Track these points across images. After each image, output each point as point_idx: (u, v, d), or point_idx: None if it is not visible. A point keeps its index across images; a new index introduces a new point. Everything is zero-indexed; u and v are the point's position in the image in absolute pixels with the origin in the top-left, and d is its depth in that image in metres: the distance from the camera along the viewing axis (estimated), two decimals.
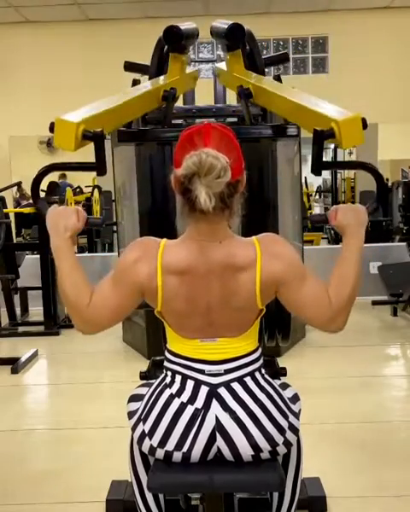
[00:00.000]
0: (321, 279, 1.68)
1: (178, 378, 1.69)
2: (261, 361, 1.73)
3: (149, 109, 2.59)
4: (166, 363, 1.73)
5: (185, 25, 2.66)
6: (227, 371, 1.66)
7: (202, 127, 1.56)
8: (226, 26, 2.57)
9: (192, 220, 1.59)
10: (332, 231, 9.52)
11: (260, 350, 1.74)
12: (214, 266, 1.60)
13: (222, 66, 3.04)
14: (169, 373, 1.71)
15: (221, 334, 1.66)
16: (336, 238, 9.17)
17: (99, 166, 1.88)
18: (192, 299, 1.62)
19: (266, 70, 2.96)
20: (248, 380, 1.68)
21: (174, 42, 2.61)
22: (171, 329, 1.69)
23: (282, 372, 2.14)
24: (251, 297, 1.62)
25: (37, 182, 1.93)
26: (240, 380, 1.67)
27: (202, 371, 1.67)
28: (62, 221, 1.69)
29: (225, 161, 1.49)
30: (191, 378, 1.67)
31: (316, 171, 1.88)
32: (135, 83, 3.55)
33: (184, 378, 1.68)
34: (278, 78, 3.30)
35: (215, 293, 1.62)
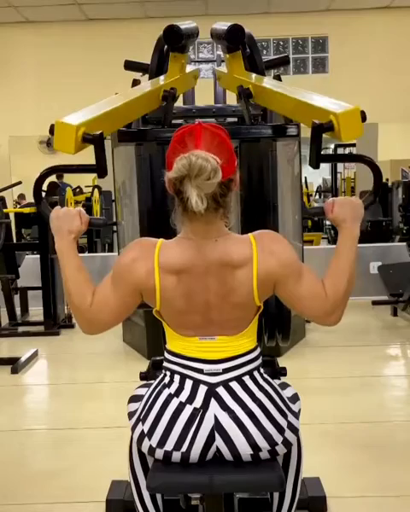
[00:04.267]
0: (317, 275, 1.70)
1: (177, 378, 1.69)
2: (260, 360, 1.74)
3: (150, 110, 2.59)
4: (165, 364, 1.74)
5: (185, 24, 2.66)
6: (226, 370, 1.67)
7: (192, 127, 1.58)
8: (226, 28, 2.57)
9: (187, 220, 1.61)
10: (332, 231, 9.54)
11: (258, 349, 1.74)
12: (211, 264, 1.61)
13: (222, 69, 3.04)
14: (168, 373, 1.72)
15: (220, 333, 1.67)
16: (336, 238, 9.19)
17: (99, 169, 1.88)
18: (190, 298, 1.63)
19: (266, 72, 2.96)
20: (246, 379, 1.68)
21: (174, 41, 2.61)
22: (169, 328, 1.70)
23: (282, 372, 2.13)
24: (249, 294, 1.63)
25: (39, 184, 1.94)
26: (239, 379, 1.67)
27: (200, 370, 1.67)
28: (66, 225, 1.71)
29: (216, 162, 1.50)
30: (190, 377, 1.67)
31: (315, 164, 1.88)
32: (135, 83, 3.55)
33: (183, 377, 1.68)
34: (277, 78, 3.31)
35: (213, 290, 1.63)
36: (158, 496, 1.89)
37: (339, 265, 1.68)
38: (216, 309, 1.64)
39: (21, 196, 9.15)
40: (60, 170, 2.01)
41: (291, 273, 1.64)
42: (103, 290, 1.67)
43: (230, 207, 1.62)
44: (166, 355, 1.73)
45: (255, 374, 1.70)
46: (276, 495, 1.93)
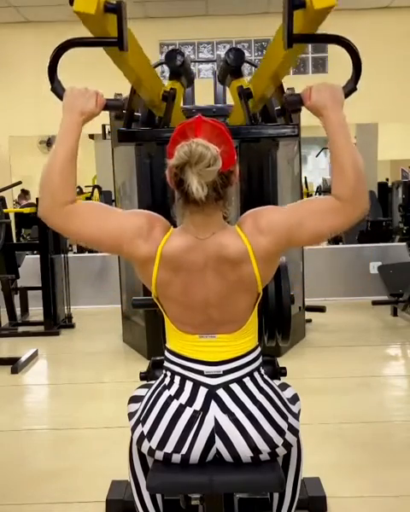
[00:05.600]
0: (313, 200, 1.65)
1: (177, 379, 1.68)
2: (260, 361, 1.73)
3: (149, 93, 2.60)
4: (165, 364, 1.73)
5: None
6: (226, 372, 1.66)
7: (193, 121, 1.59)
8: (226, 50, 2.70)
9: (188, 212, 1.60)
10: None
11: (258, 349, 1.74)
12: (209, 259, 1.61)
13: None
14: (168, 373, 1.71)
15: (220, 330, 1.66)
16: (336, 238, 9.17)
17: (120, 41, 1.77)
18: (188, 292, 1.63)
19: (278, 118, 2.99)
20: (246, 381, 1.68)
21: (173, 60, 2.70)
22: (170, 323, 1.69)
23: (282, 372, 2.13)
24: (251, 283, 1.63)
25: (55, 60, 1.82)
26: (239, 381, 1.67)
27: (200, 372, 1.66)
28: (80, 102, 1.64)
29: (216, 150, 1.51)
30: (190, 379, 1.67)
31: (288, 43, 1.81)
32: None
33: (183, 379, 1.68)
34: None
35: (211, 285, 1.62)
36: (158, 496, 1.89)
37: (338, 160, 1.61)
38: (215, 303, 1.64)
39: (22, 196, 9.14)
40: (77, 43, 1.88)
41: (288, 235, 1.61)
42: (91, 214, 1.61)
43: (230, 200, 1.62)
44: (167, 354, 1.73)
45: (256, 375, 1.70)
46: (276, 495, 1.93)
